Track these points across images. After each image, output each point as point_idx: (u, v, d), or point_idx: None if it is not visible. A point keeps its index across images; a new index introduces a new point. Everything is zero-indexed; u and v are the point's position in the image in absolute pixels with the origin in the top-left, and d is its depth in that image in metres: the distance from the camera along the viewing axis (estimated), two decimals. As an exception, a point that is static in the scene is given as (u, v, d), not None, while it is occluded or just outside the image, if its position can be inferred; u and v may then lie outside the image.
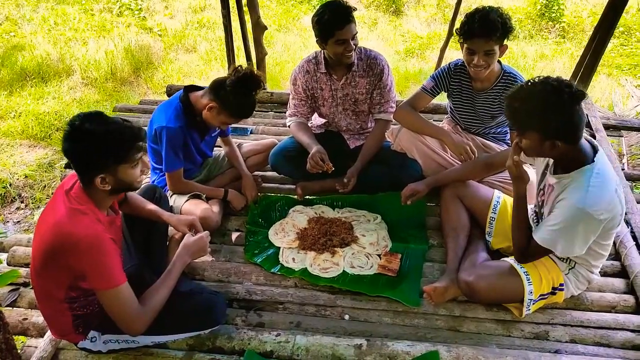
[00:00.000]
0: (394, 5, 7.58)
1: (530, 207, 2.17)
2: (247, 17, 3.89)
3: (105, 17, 7.31)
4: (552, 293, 2.10)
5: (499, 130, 2.76)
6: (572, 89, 1.71)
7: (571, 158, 1.86)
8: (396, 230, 2.58)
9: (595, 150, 1.88)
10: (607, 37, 3.19)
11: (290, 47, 6.45)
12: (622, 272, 2.37)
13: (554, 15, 7.11)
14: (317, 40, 2.52)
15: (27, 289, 2.27)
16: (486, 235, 2.40)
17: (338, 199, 2.77)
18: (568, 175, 1.88)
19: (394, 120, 2.76)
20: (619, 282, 2.31)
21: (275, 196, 2.85)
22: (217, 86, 2.33)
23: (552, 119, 1.72)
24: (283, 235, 2.55)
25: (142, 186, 2.24)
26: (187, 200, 2.50)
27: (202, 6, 7.85)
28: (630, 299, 2.22)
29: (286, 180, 3.00)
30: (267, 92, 3.94)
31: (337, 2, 2.42)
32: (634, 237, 2.50)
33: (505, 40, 2.40)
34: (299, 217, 2.66)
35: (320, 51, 2.64)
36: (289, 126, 2.84)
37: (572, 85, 1.73)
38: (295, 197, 2.80)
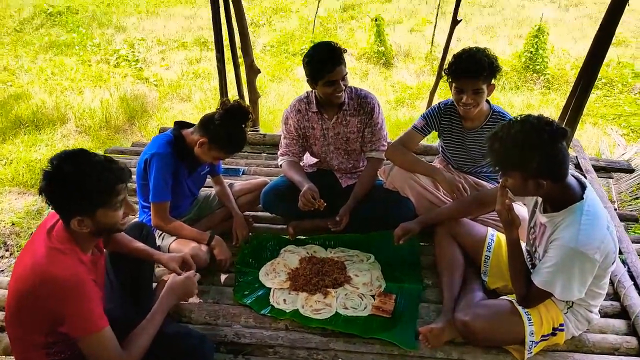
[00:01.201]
0: (384, 58, 7.82)
1: (523, 246, 2.13)
2: (241, 61, 3.98)
3: (102, 68, 7.46)
4: (553, 334, 2.03)
5: (490, 169, 2.77)
6: (552, 126, 1.71)
7: (559, 196, 1.84)
8: (390, 269, 2.52)
9: (583, 187, 1.87)
10: (588, 88, 3.30)
11: (283, 96, 6.57)
12: (623, 313, 2.30)
13: (538, 67, 7.35)
14: (307, 80, 2.56)
15: (3, 333, 2.15)
16: (482, 275, 2.34)
17: (330, 239, 2.72)
18: (558, 214, 1.85)
19: (386, 159, 2.76)
20: (620, 323, 2.24)
21: (267, 236, 2.79)
22: (207, 121, 2.34)
23: (533, 157, 1.71)
24: (274, 276, 2.48)
25: (129, 223, 2.18)
26: (175, 239, 2.44)
27: (198, 58, 8.06)
28: (632, 341, 2.14)
29: (278, 220, 2.95)
30: (260, 134, 3.96)
31: (327, 43, 2.47)
32: (632, 277, 2.45)
33: (493, 80, 2.45)
34: (290, 257, 2.59)
35: (312, 91, 2.68)
36: (280, 165, 2.83)
37: (553, 122, 1.73)
38: (287, 236, 2.75)
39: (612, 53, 7.37)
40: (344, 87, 2.52)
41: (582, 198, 1.82)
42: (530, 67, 7.40)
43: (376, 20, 7.98)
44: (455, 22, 3.17)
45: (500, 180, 1.94)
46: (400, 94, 6.85)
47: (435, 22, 8.36)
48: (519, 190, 1.86)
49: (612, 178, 3.71)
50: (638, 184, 3.51)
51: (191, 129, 2.42)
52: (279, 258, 2.60)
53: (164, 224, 2.40)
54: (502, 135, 1.77)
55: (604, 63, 3.37)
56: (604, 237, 1.81)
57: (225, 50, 3.78)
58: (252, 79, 3.82)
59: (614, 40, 3.45)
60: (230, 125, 2.31)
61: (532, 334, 1.97)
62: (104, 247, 1.89)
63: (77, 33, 8.70)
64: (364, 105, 2.67)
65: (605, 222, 1.84)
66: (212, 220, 2.75)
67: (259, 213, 3.02)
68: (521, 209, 2.41)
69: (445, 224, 2.43)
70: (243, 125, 2.36)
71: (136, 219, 2.54)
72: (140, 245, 2.08)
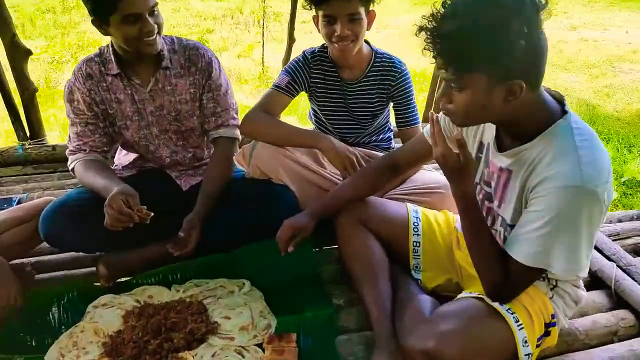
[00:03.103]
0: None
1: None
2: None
3: None
4: (546, 333, 1.32)
5: (381, 137, 2.08)
6: None
7: (532, 114, 1.15)
8: (279, 297, 1.58)
9: (558, 99, 1.22)
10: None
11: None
12: (595, 282, 1.72)
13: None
14: (93, 22, 1.55)
15: None
16: (412, 272, 1.57)
17: (175, 270, 1.68)
18: (532, 144, 1.16)
19: (241, 137, 1.87)
20: (599, 296, 1.65)
21: (58, 288, 1.63)
22: None
23: (514, 38, 1.01)
24: (76, 355, 1.35)
25: None
26: None
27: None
28: (628, 316, 1.55)
29: (78, 261, 1.80)
30: (47, 147, 2.63)
31: None
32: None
33: (371, 6, 1.78)
34: (105, 316, 1.48)
35: (108, 45, 1.68)
36: (72, 170, 1.73)
37: None
38: (98, 284, 1.63)
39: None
40: (155, 28, 1.57)
41: (566, 112, 1.17)
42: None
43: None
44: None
45: (431, 113, 1.24)
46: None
47: (263, 43, 7.96)
48: (476, 105, 1.11)
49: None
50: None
51: None
52: (83, 322, 1.47)
53: None
54: (458, 14, 1.03)
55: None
56: (609, 165, 1.15)
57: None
58: (20, 63, 2.56)
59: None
60: None
61: (526, 342, 1.23)
62: None
63: None
64: (195, 59, 1.75)
65: (601, 143, 1.19)
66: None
67: (45, 257, 1.82)
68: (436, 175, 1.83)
69: (348, 210, 1.60)
70: None
71: None
72: None
